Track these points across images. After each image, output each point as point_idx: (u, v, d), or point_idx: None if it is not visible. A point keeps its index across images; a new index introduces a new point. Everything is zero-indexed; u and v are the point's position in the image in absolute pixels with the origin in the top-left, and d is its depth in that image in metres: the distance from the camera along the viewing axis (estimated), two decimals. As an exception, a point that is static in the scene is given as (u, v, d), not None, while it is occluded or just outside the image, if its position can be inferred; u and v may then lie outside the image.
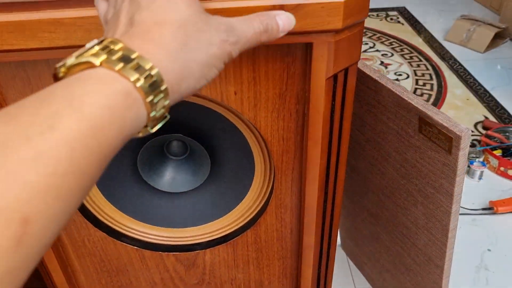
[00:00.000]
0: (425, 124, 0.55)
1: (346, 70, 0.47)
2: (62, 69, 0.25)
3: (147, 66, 0.25)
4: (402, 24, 2.40)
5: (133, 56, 0.25)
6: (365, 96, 0.66)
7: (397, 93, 0.58)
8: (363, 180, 0.80)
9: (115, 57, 0.25)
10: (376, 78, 0.61)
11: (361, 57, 2.06)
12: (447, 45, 2.14)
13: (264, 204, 0.58)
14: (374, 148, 0.71)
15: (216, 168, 0.58)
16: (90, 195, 0.57)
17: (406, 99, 0.57)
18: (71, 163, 0.21)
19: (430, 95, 1.76)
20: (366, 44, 2.21)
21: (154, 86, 0.25)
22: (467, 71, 1.92)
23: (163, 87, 0.26)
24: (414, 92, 1.79)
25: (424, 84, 1.84)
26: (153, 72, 0.25)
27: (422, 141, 0.57)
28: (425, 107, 0.55)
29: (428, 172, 0.59)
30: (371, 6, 2.65)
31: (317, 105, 0.47)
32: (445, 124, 0.51)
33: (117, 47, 0.25)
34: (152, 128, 0.27)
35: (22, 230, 0.19)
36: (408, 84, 1.85)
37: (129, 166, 0.57)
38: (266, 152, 0.54)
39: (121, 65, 0.24)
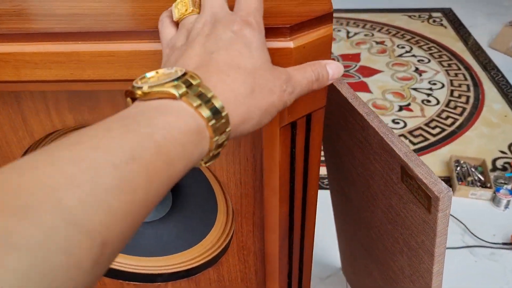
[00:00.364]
0: (406, 175, 0.49)
1: (308, 116, 0.43)
2: (139, 92, 0.26)
3: (219, 106, 0.27)
4: (445, 27, 2.25)
5: (209, 95, 0.26)
6: (354, 130, 0.60)
7: (381, 134, 0.52)
8: (356, 212, 0.74)
9: (194, 92, 0.26)
10: (363, 114, 0.55)
11: (396, 61, 1.96)
12: (491, 53, 1.99)
13: (226, 244, 0.54)
14: (364, 184, 0.65)
15: (179, 201, 0.55)
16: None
17: (389, 143, 0.51)
18: (145, 192, 0.23)
19: (464, 109, 1.64)
20: (403, 48, 2.09)
21: (221, 127, 0.27)
22: (509, 83, 1.78)
23: (228, 129, 0.27)
24: (447, 105, 1.67)
25: (459, 96, 1.72)
26: (223, 113, 0.27)
27: (404, 191, 0.51)
28: (407, 156, 0.48)
29: (411, 224, 0.53)
30: (414, 5, 2.51)
31: (272, 154, 0.42)
32: (424, 180, 0.45)
33: (195, 82, 0.27)
34: (206, 163, 0.28)
35: (100, 252, 0.20)
36: (442, 95, 1.73)
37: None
38: (227, 194, 0.50)
39: (198, 102, 0.26)
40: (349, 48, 2.13)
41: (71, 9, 0.41)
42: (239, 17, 0.31)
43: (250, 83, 0.29)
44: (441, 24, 2.28)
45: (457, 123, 1.57)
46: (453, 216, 1.18)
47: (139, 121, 0.24)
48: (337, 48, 2.13)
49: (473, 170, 1.30)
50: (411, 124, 1.58)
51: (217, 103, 0.27)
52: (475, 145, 1.46)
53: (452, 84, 1.80)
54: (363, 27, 2.32)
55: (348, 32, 2.27)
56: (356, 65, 1.97)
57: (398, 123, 1.59)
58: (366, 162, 0.60)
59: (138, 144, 0.23)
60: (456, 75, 1.86)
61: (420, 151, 1.45)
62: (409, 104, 1.69)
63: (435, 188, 0.44)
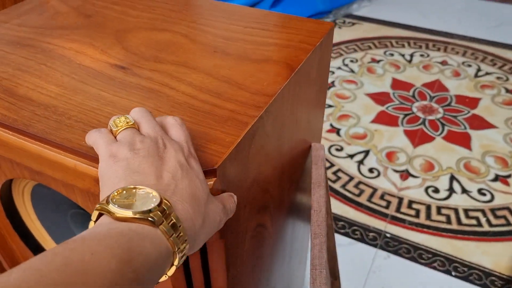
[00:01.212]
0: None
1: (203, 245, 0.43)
2: (120, 216, 0.29)
3: (185, 238, 0.31)
4: None
5: (180, 226, 0.30)
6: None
7: (311, 266, 0.49)
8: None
9: (168, 223, 0.29)
10: (312, 234, 0.53)
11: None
12: None
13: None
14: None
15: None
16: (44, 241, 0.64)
17: (312, 278, 0.48)
18: None
19: None
20: (536, 104, 1.79)
21: (183, 254, 0.31)
22: None
23: (185, 256, 0.32)
24: (557, 190, 1.41)
25: None
26: (186, 242, 0.31)
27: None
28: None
29: None
30: None
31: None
32: None
33: (168, 209, 0.30)
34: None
35: None
36: (557, 176, 1.46)
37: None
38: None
39: (172, 232, 0.29)
40: (471, 89, 1.89)
41: (32, 90, 0.46)
42: (184, 148, 0.34)
43: (203, 213, 0.32)
44: None
45: (557, 217, 1.32)
46: (489, 328, 1.03)
47: (120, 243, 0.27)
48: (457, 86, 1.91)
49: (543, 282, 1.10)
50: (499, 200, 1.38)
51: (184, 236, 0.30)
52: None
53: None
54: (501, 67, 2.03)
55: (478, 70, 2.01)
56: (468, 112, 1.76)
57: (484, 194, 1.40)
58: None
59: (119, 271, 0.25)
60: None
61: (493, 235, 1.27)
62: (509, 176, 1.47)
63: None
